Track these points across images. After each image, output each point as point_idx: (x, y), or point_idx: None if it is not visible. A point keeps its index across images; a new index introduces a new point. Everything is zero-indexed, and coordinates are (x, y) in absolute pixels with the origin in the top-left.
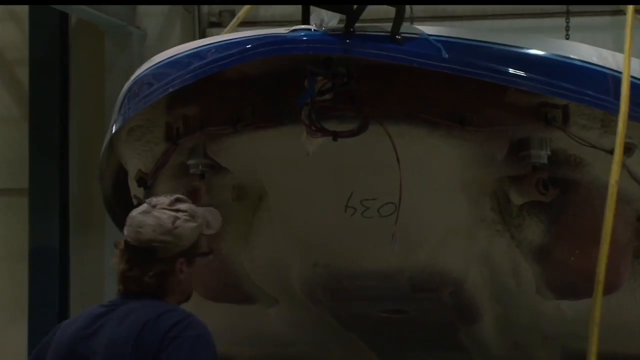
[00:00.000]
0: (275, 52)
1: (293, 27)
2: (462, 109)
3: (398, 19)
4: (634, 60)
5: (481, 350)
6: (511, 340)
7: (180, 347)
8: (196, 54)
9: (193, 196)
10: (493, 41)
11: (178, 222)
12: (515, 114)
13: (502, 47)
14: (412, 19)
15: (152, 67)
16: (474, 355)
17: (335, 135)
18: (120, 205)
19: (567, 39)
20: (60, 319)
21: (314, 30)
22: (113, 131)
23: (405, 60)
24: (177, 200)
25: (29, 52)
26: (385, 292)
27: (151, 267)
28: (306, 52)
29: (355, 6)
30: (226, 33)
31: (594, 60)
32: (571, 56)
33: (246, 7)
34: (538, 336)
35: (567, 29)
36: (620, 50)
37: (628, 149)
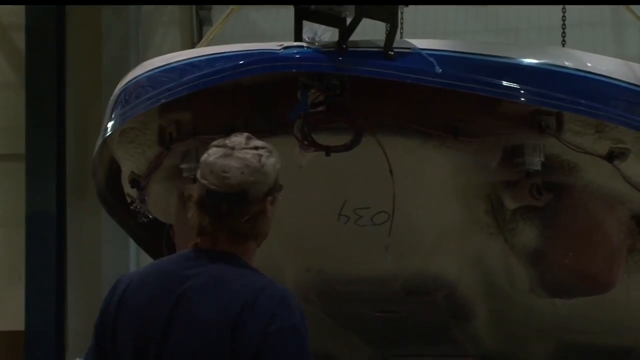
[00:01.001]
0: (268, 70)
1: (286, 44)
2: (455, 120)
3: (391, 35)
4: (624, 65)
5: (474, 343)
6: (504, 333)
7: (285, 345)
8: (189, 66)
9: (186, 199)
10: (486, 53)
11: (263, 160)
12: (509, 123)
13: (495, 60)
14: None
15: (145, 74)
16: (467, 348)
17: (328, 150)
18: (114, 197)
19: (564, 36)
20: (58, 283)
21: (307, 46)
22: (106, 135)
23: (398, 77)
24: (250, 138)
25: (26, 17)
26: (379, 296)
27: (244, 212)
28: (299, 69)
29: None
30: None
31: (588, 67)
32: (564, 64)
33: (229, 10)
34: (531, 330)
35: (564, 26)
36: (621, 47)
37: (622, 154)
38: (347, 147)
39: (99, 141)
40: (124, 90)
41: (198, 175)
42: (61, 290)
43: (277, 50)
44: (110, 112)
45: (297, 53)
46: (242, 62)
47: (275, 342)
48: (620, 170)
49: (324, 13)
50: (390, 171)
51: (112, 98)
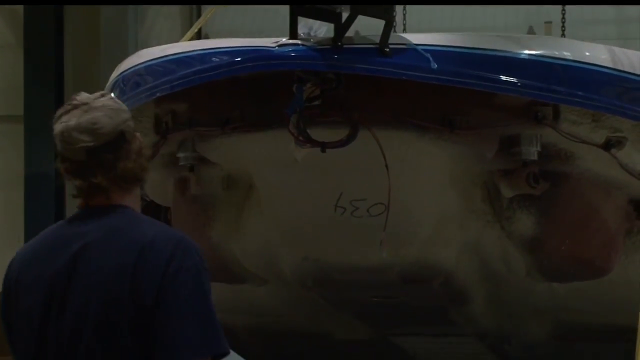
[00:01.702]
0: (263, 68)
1: (281, 41)
2: (452, 113)
3: (386, 31)
4: (622, 52)
5: (471, 323)
6: (501, 313)
7: (185, 283)
8: (186, 59)
9: (183, 187)
10: (481, 47)
11: (117, 100)
12: (505, 115)
13: (491, 53)
14: None
15: (143, 64)
16: (464, 328)
17: (324, 146)
18: None
19: (564, 30)
20: None
21: (302, 43)
22: None
23: (394, 74)
24: (89, 94)
25: None
26: (375, 284)
27: (130, 152)
28: (294, 68)
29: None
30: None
31: (586, 57)
32: (561, 55)
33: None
34: (528, 310)
35: (563, 19)
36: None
37: (618, 143)
38: (343, 143)
39: None
40: (122, 78)
41: (65, 144)
42: None
43: (272, 47)
44: None
45: (292, 51)
46: (237, 59)
47: (173, 282)
48: (617, 158)
49: (319, 9)
50: (386, 166)
51: (109, 84)
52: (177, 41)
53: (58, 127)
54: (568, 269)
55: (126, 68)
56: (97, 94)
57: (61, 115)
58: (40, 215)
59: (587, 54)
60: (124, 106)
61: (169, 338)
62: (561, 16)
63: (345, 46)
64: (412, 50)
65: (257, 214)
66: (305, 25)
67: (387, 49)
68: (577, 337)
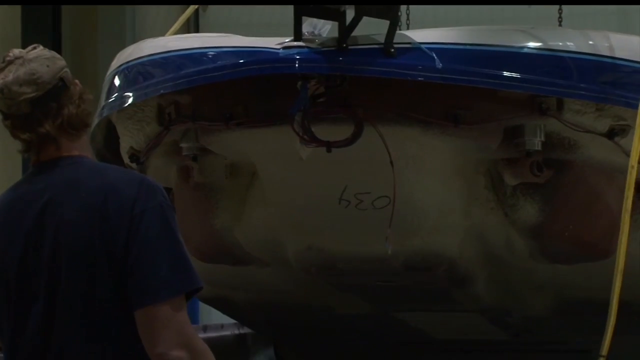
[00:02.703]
0: (268, 71)
1: (285, 43)
2: (456, 107)
3: (391, 32)
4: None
5: (474, 301)
6: (504, 291)
7: (152, 223)
8: (188, 57)
9: (186, 174)
10: (486, 43)
11: (50, 50)
12: (510, 107)
13: (495, 49)
14: None
15: (144, 59)
16: (466, 305)
17: (329, 146)
18: (113, 157)
19: (560, 21)
20: None
21: (307, 45)
22: (102, 115)
23: (400, 75)
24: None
25: None
26: (380, 272)
27: (70, 99)
28: (299, 71)
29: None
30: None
31: (588, 47)
32: (565, 46)
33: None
34: (531, 287)
35: (560, 10)
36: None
37: (622, 130)
38: (348, 142)
39: (96, 119)
40: (124, 69)
41: (7, 100)
42: None
43: (277, 50)
44: (107, 89)
45: (297, 54)
46: (242, 60)
47: (140, 224)
48: (621, 146)
49: (323, 8)
50: (391, 162)
51: (109, 75)
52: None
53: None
54: (571, 253)
55: (128, 60)
56: (29, 47)
57: None
58: None
59: (591, 43)
60: (57, 55)
61: (141, 279)
62: (558, 7)
63: (350, 47)
64: (417, 50)
65: (260, 202)
66: (310, 24)
67: (392, 49)
68: (579, 312)
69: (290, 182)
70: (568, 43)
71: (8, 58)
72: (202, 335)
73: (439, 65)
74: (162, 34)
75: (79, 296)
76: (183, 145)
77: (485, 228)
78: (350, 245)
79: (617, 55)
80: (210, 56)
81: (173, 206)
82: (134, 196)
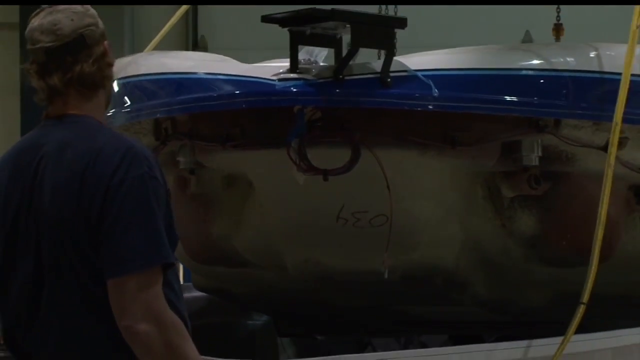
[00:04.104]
0: (265, 104)
1: (281, 74)
2: (453, 129)
3: (387, 62)
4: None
5: (471, 299)
6: (501, 288)
7: (129, 194)
8: (185, 82)
9: (183, 184)
10: (481, 67)
11: (86, 6)
12: (507, 127)
13: (491, 73)
14: None
15: (139, 78)
16: (464, 301)
17: (326, 174)
18: None
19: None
20: None
21: (303, 77)
22: None
23: (397, 104)
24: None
25: None
26: (377, 284)
27: (87, 57)
28: (295, 104)
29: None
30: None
31: (584, 64)
32: (562, 65)
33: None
34: (529, 284)
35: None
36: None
37: (620, 143)
38: (345, 169)
39: None
40: (120, 84)
41: (30, 45)
42: None
43: (273, 81)
44: None
45: (293, 86)
46: (238, 92)
47: (116, 194)
48: (619, 157)
49: (319, 35)
50: (388, 187)
51: None
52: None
53: (27, 29)
54: (569, 259)
55: (124, 75)
56: None
57: (31, 18)
58: (36, 123)
59: (587, 58)
60: (92, 12)
61: (112, 250)
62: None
63: (346, 78)
64: (413, 77)
65: (258, 212)
66: (306, 51)
67: (389, 79)
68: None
69: (288, 200)
70: (564, 61)
71: (43, 6)
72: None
73: (435, 93)
74: None
75: (62, 262)
76: (180, 159)
77: (483, 238)
78: (348, 260)
79: (615, 69)
80: (207, 83)
81: (156, 176)
82: (116, 165)
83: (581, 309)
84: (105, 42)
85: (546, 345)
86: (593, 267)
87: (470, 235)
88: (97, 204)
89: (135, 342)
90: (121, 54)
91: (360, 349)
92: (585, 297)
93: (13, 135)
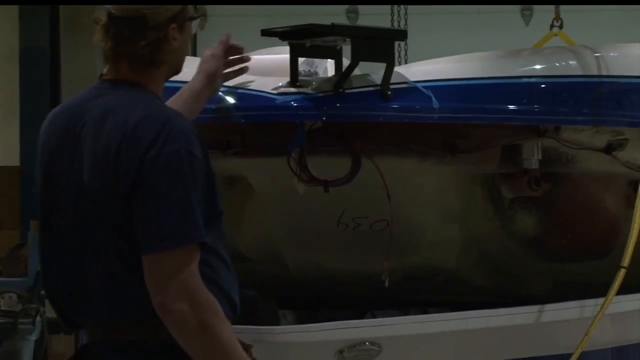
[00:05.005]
0: (265, 119)
1: (281, 88)
2: (453, 136)
3: (387, 74)
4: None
5: (470, 290)
6: (501, 279)
7: (163, 169)
8: None
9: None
10: (481, 76)
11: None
12: (507, 132)
13: (491, 82)
14: None
15: None
16: (464, 293)
17: (327, 185)
18: None
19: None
20: None
21: (302, 90)
22: None
23: (397, 118)
24: None
25: None
26: (378, 284)
27: (142, 37)
28: (296, 119)
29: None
30: None
31: (585, 68)
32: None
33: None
34: (529, 274)
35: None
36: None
37: (620, 145)
38: (346, 180)
39: None
40: None
41: (103, 8)
42: None
43: (273, 95)
44: None
45: (293, 101)
46: (237, 106)
47: (150, 168)
48: (619, 158)
49: (319, 47)
50: (388, 195)
51: None
52: None
53: None
54: (570, 255)
55: None
56: None
57: None
58: (35, 89)
59: (587, 62)
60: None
61: (148, 227)
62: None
63: (346, 91)
64: (413, 89)
65: (258, 213)
66: (307, 62)
67: (389, 92)
68: (577, 292)
69: (288, 205)
70: (564, 66)
71: None
72: None
73: (436, 105)
74: None
75: (99, 232)
76: None
77: (483, 238)
78: (349, 263)
79: (617, 72)
80: None
81: (193, 152)
82: (151, 139)
83: (621, 272)
84: (172, 27)
85: (584, 307)
86: (635, 231)
87: (470, 234)
88: (131, 177)
89: (169, 319)
90: None
91: (360, 315)
92: (626, 261)
93: (12, 102)
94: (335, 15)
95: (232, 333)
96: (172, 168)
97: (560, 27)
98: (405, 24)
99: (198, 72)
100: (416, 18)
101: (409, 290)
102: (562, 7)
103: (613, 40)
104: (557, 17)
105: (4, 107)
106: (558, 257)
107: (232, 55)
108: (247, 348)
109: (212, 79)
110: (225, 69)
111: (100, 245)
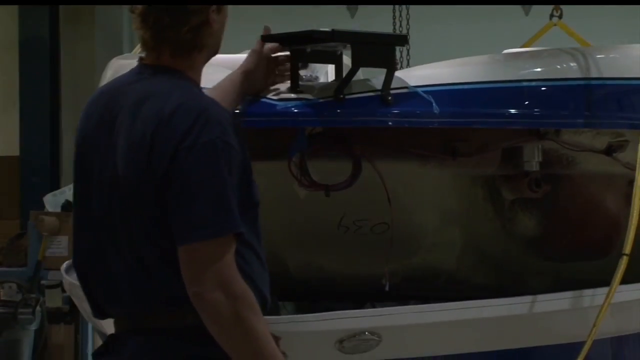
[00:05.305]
0: (266, 125)
1: (281, 94)
2: (454, 140)
3: (388, 80)
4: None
5: (471, 287)
6: (501, 276)
7: (198, 160)
8: None
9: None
10: (481, 80)
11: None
12: (508, 135)
13: (491, 86)
14: None
15: None
16: (464, 292)
17: (328, 190)
18: None
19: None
20: (52, 110)
21: (303, 96)
22: None
23: (398, 123)
24: None
25: None
26: (379, 286)
27: (185, 22)
28: (297, 125)
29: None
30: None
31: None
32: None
33: None
34: (529, 272)
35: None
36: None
37: (620, 146)
38: (346, 184)
39: None
40: None
41: None
42: (55, 116)
43: (273, 101)
44: None
45: (294, 107)
46: (238, 111)
47: (185, 158)
48: (619, 159)
49: (319, 52)
50: (389, 199)
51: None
52: None
53: None
54: (571, 256)
55: None
56: None
57: None
58: (35, 80)
59: (588, 64)
60: None
61: (184, 217)
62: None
63: (347, 97)
64: (413, 94)
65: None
66: (307, 67)
67: (390, 97)
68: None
69: (289, 209)
70: (564, 68)
71: None
72: None
73: (437, 110)
74: None
75: (130, 217)
76: None
77: (484, 240)
78: (350, 265)
79: (617, 74)
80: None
81: (229, 142)
82: (187, 128)
83: (624, 260)
84: (212, 10)
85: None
86: (634, 219)
87: (471, 236)
88: (164, 166)
89: (203, 309)
90: (120, 55)
91: (360, 307)
92: (627, 249)
93: (11, 92)
94: (335, 7)
95: (265, 326)
96: (207, 158)
97: (560, 17)
98: (407, 13)
99: (240, 65)
100: (416, 8)
101: (409, 291)
102: None
103: (612, 30)
104: (557, 7)
105: (4, 97)
106: (558, 257)
107: (275, 53)
108: (276, 340)
109: (248, 75)
110: (269, 68)
111: (132, 231)
